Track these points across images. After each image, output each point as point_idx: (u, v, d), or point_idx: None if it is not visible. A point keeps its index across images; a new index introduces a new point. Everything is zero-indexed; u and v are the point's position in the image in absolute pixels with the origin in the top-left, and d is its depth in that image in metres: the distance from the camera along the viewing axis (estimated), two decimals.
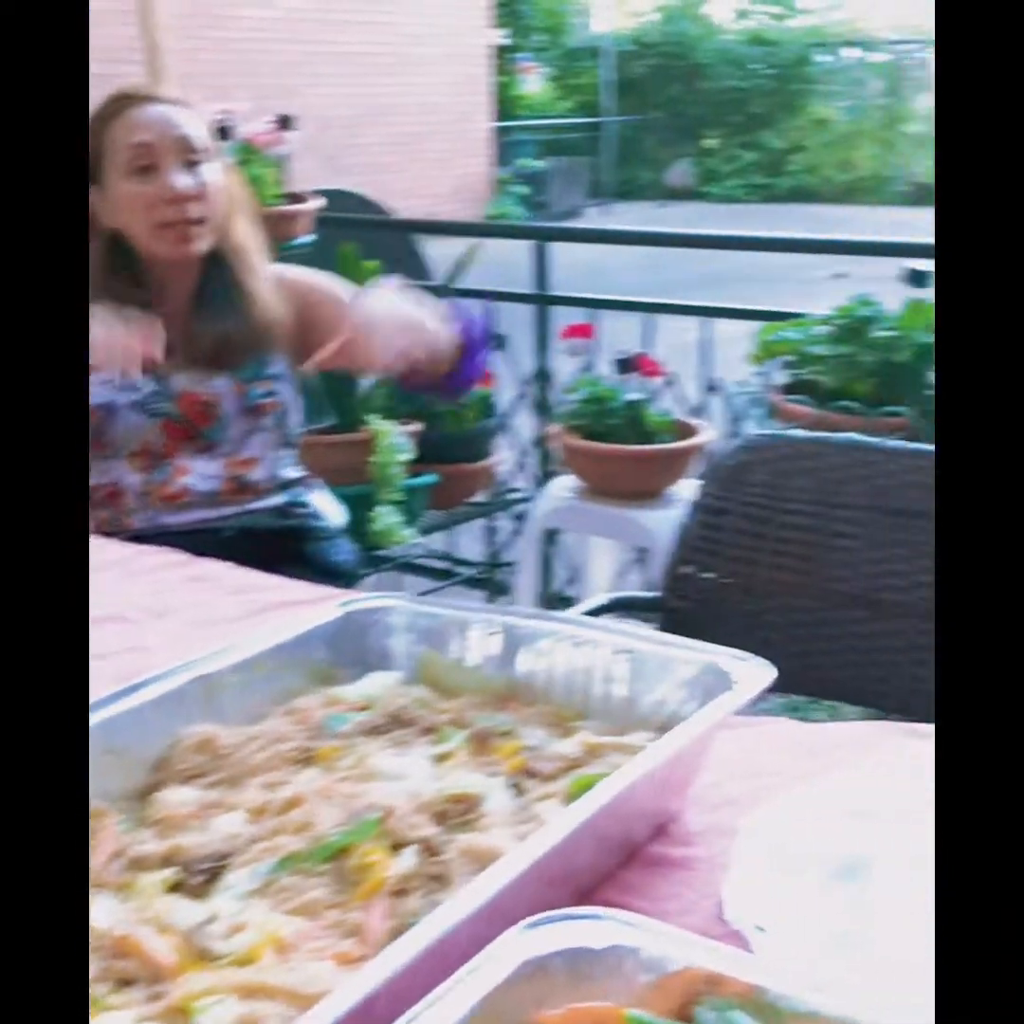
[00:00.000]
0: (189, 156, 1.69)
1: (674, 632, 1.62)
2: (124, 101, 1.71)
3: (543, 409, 3.05)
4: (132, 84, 1.81)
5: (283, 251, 2.98)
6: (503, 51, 14.92)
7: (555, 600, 2.97)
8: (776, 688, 1.73)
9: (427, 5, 12.35)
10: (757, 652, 1.60)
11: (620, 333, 2.89)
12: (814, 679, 1.61)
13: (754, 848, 0.75)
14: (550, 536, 3.14)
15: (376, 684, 0.96)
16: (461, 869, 0.73)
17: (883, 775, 0.82)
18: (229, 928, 0.69)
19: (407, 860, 0.74)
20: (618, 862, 0.80)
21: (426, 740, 0.89)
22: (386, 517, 2.56)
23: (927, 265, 2.26)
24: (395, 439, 2.62)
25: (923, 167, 14.53)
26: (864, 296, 2.30)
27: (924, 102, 14.84)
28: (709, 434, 2.60)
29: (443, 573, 3.32)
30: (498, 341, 3.10)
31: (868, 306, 2.27)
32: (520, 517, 3.10)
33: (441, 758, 0.86)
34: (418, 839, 0.76)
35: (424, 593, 3.26)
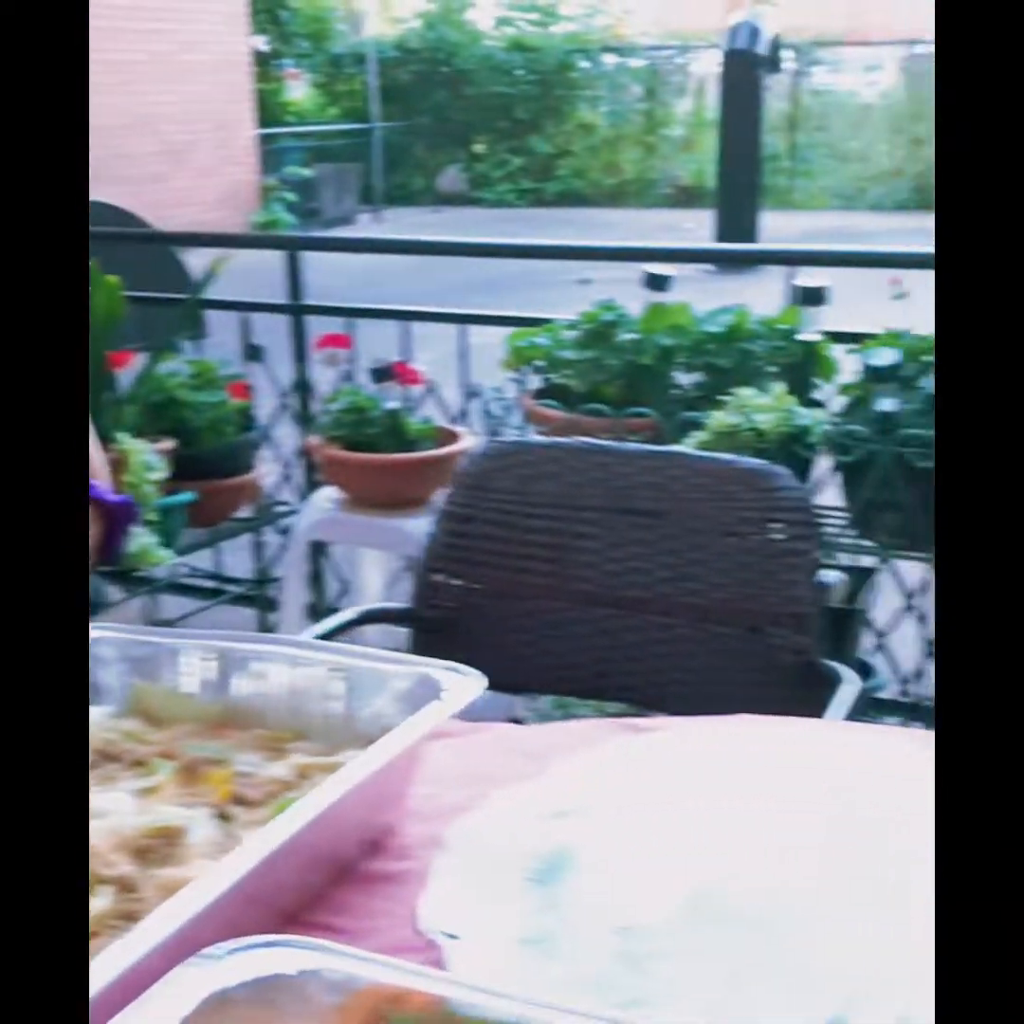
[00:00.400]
0: None
1: (428, 640, 1.65)
2: None
3: (305, 420, 3.02)
4: None
5: None
6: (266, 58, 14.72)
7: (325, 613, 2.94)
8: (532, 689, 1.76)
9: (190, 12, 12.08)
10: (510, 654, 1.63)
11: (390, 341, 2.89)
12: (565, 677, 1.64)
13: (455, 856, 0.75)
14: (320, 549, 3.11)
15: None
16: (157, 905, 0.71)
17: (592, 772, 0.84)
18: None
19: (102, 900, 0.72)
20: (328, 881, 0.79)
21: (133, 774, 0.86)
22: (140, 538, 2.48)
23: (666, 269, 2.34)
24: (147, 457, 2.54)
25: (683, 170, 15.03)
26: (608, 301, 2.36)
27: (682, 106, 15.35)
28: (470, 440, 2.62)
29: (210, 592, 3.25)
30: (254, 352, 3.06)
31: (612, 311, 2.33)
32: (286, 531, 3.05)
33: (147, 792, 0.84)
34: (114, 878, 0.73)
35: (190, 614, 3.18)
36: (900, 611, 2.46)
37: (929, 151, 13.96)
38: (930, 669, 2.42)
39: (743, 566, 1.50)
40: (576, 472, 1.59)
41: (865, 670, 2.37)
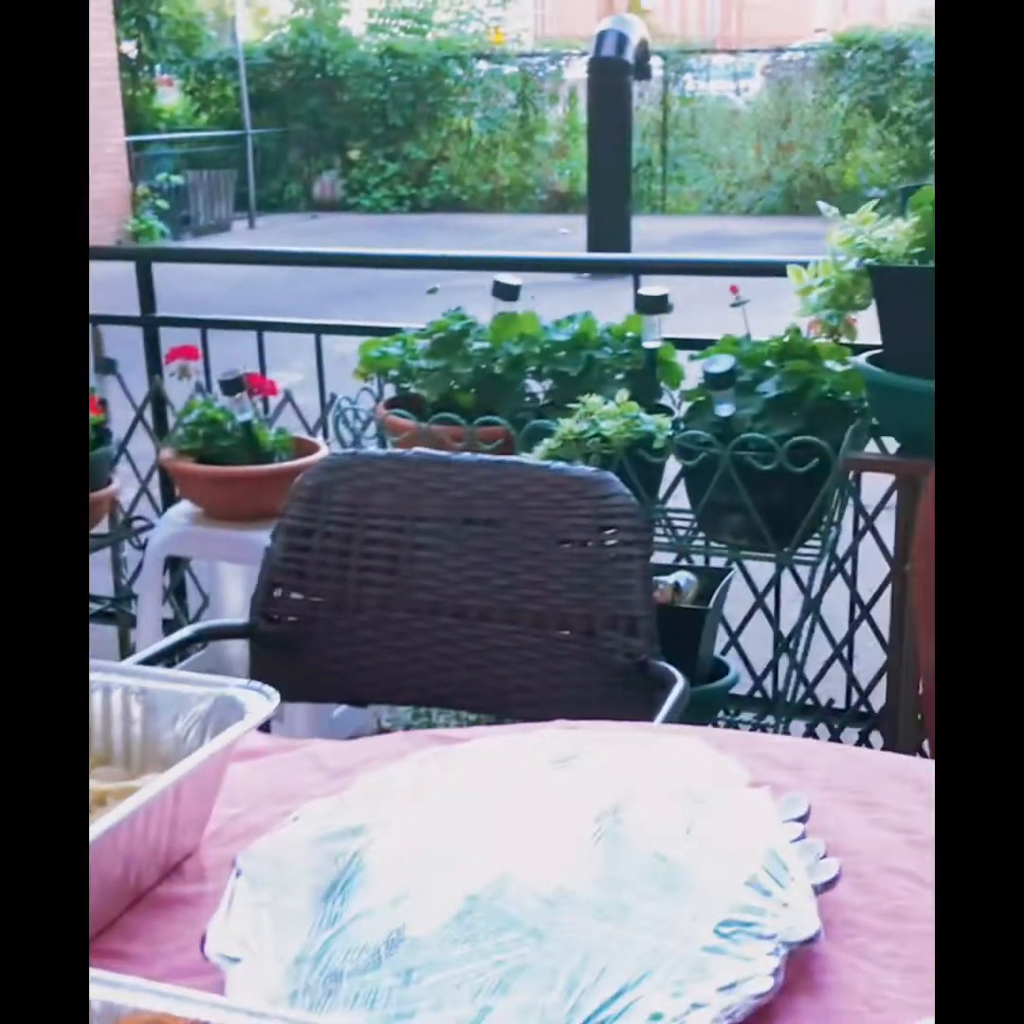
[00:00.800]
0: None
1: (270, 655, 1.64)
2: None
3: (160, 434, 2.98)
4: None
5: None
6: (134, 64, 14.48)
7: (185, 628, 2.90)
8: (376, 700, 1.77)
9: None
10: (353, 666, 1.64)
11: (280, 351, 2.87)
12: (410, 687, 1.65)
13: (247, 877, 0.76)
14: (181, 563, 3.07)
15: None
16: None
17: (392, 786, 0.85)
18: None
19: None
20: (121, 906, 0.79)
21: None
22: None
23: (514, 279, 2.36)
24: None
25: (557, 176, 15.16)
26: (456, 310, 2.37)
27: (555, 113, 15.47)
28: (327, 450, 2.61)
29: None
30: (108, 365, 3.01)
31: (460, 320, 2.34)
32: (145, 547, 3.01)
33: None
34: None
35: None
36: (751, 609, 2.52)
37: (796, 156, 14.29)
38: (781, 664, 2.48)
39: (578, 572, 1.53)
40: (413, 483, 1.60)
41: (719, 667, 2.42)
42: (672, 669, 1.44)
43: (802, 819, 0.81)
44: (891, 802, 0.87)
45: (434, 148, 15.60)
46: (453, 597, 1.59)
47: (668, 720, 1.34)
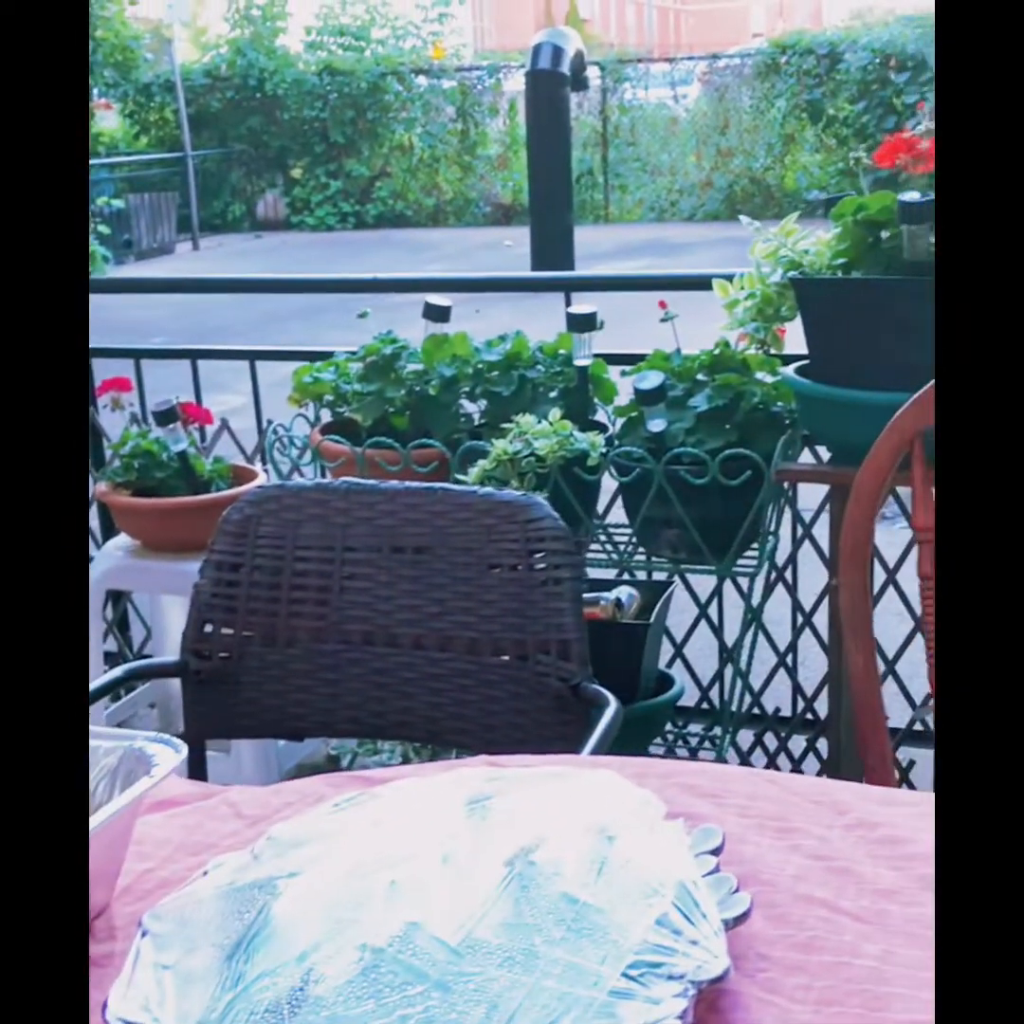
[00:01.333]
0: None
1: (202, 693, 1.62)
2: None
3: (96, 466, 2.95)
4: None
5: None
6: None
7: (131, 662, 2.87)
8: (312, 734, 1.75)
9: None
10: (288, 700, 1.62)
11: (220, 374, 2.84)
12: (345, 718, 1.64)
13: (153, 936, 0.74)
14: (123, 597, 3.04)
15: None
16: None
17: (306, 833, 0.84)
18: None
19: None
20: None
21: None
22: None
23: (444, 300, 2.35)
24: None
25: (500, 188, 15.19)
26: (387, 333, 2.37)
27: (496, 126, 15.51)
28: (264, 478, 2.60)
29: None
30: None
31: (392, 343, 2.34)
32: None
33: None
34: None
35: None
36: (695, 621, 2.53)
37: (736, 162, 14.40)
38: (727, 674, 2.49)
39: (509, 597, 1.52)
40: (341, 513, 1.59)
41: (665, 681, 2.42)
42: (604, 691, 1.44)
43: (716, 851, 0.81)
44: (809, 827, 0.87)
45: (376, 164, 15.60)
46: (385, 626, 1.58)
47: (601, 743, 1.33)
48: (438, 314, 2.34)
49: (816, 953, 0.74)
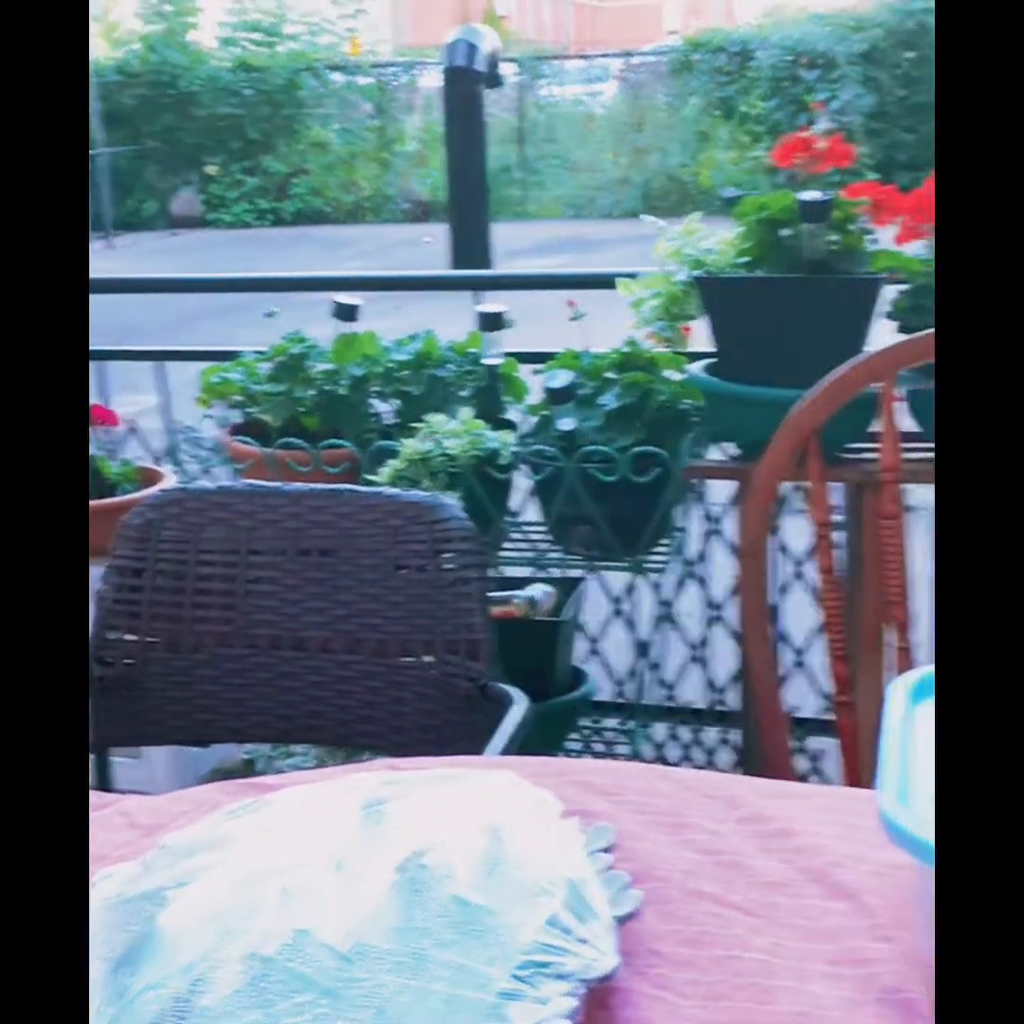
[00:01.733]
0: None
1: (108, 701, 1.60)
2: None
3: None
4: None
5: None
6: None
7: None
8: (221, 740, 1.73)
9: None
10: (195, 706, 1.61)
11: (129, 375, 2.80)
12: (253, 723, 1.62)
13: None
14: None
15: None
16: None
17: (196, 842, 0.83)
18: None
19: None
20: None
21: None
22: None
23: (353, 298, 2.34)
24: None
25: (418, 185, 15.16)
26: (296, 332, 2.35)
27: (413, 122, 15.48)
28: (172, 480, 2.57)
29: None
30: None
31: (300, 342, 2.32)
32: None
33: None
34: None
35: None
36: (609, 617, 2.55)
37: (652, 159, 14.51)
38: (641, 668, 2.51)
39: (416, 598, 1.52)
40: (245, 516, 1.58)
41: (579, 676, 2.44)
42: (512, 690, 1.45)
43: (610, 849, 0.82)
44: (702, 822, 0.88)
45: (293, 161, 15.48)
46: (292, 630, 1.58)
47: (509, 742, 1.34)
48: (347, 313, 2.33)
49: (706, 947, 0.75)
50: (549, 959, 0.70)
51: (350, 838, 0.81)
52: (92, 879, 0.82)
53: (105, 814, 0.95)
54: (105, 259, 13.60)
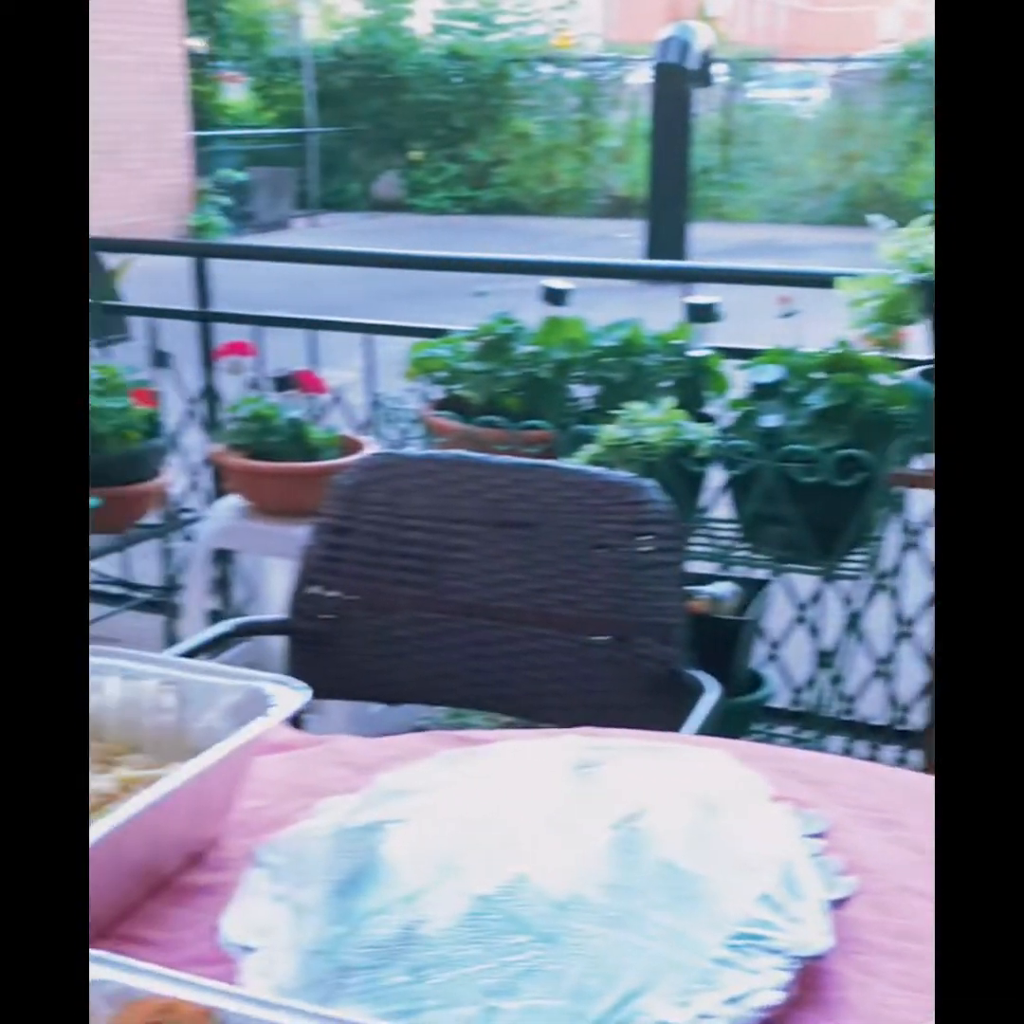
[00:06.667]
0: None
1: (305, 652, 1.66)
2: None
3: (211, 428, 3.01)
4: None
5: None
6: (201, 59, 14.63)
7: (230, 621, 2.93)
8: (408, 700, 1.77)
9: (117, 12, 11.98)
10: (386, 666, 1.65)
11: (333, 350, 2.91)
12: (443, 688, 1.66)
13: (264, 869, 0.77)
14: (227, 556, 3.10)
15: None
16: None
17: (413, 785, 0.86)
18: None
19: None
20: (143, 892, 0.81)
21: None
22: None
23: (563, 283, 2.36)
24: None
25: (618, 181, 15.14)
26: (504, 313, 2.38)
27: (617, 118, 15.45)
28: (372, 450, 2.63)
29: (117, 598, 3.23)
30: (162, 358, 3.05)
31: (508, 323, 2.35)
32: (193, 539, 3.05)
33: None
34: None
35: (96, 619, 3.16)
36: (792, 622, 2.51)
37: (859, 167, 14.18)
38: (821, 678, 2.46)
39: (612, 577, 1.53)
40: (450, 485, 1.61)
41: (757, 680, 2.41)
42: (705, 677, 1.44)
43: (821, 835, 0.81)
44: (913, 821, 0.87)
45: (495, 151, 15.63)
46: (487, 599, 1.60)
47: (701, 730, 1.34)
48: (557, 297, 2.35)
49: (916, 941, 0.74)
50: (762, 932, 0.70)
51: (563, 794, 0.82)
52: (313, 808, 0.86)
53: (319, 751, 0.99)
54: (306, 237, 13.98)
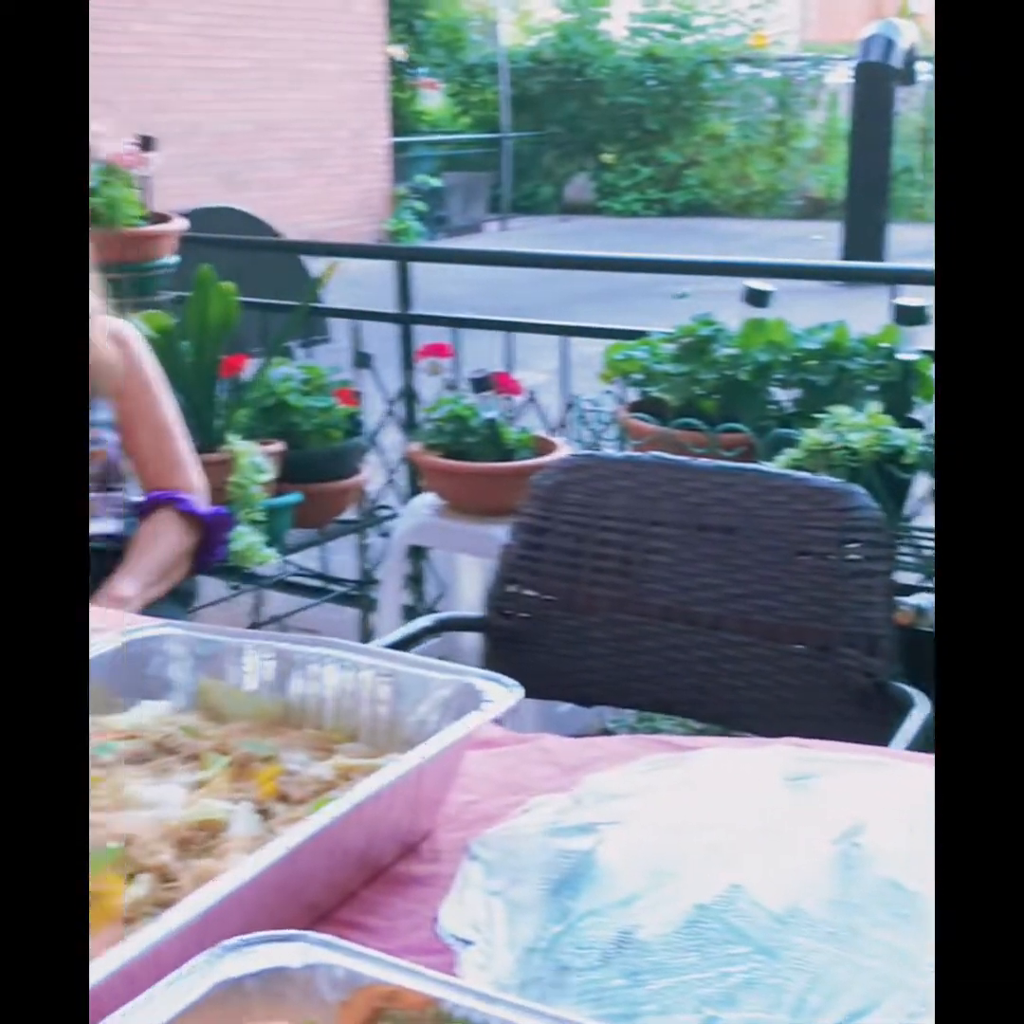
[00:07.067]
0: None
1: (501, 649, 1.67)
2: None
3: (409, 427, 3.07)
4: None
5: (146, 271, 2.98)
6: (401, 66, 14.95)
7: (421, 616, 2.99)
8: (601, 702, 1.77)
9: (322, 22, 12.34)
10: (581, 667, 1.65)
11: (523, 351, 2.95)
12: (637, 690, 1.65)
13: (480, 863, 0.78)
14: (420, 553, 3.16)
15: (146, 713, 0.97)
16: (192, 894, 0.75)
17: (623, 787, 0.85)
18: None
19: (140, 888, 0.76)
20: (359, 879, 0.82)
21: (188, 768, 0.90)
22: (246, 537, 2.56)
23: (765, 284, 2.33)
24: (255, 459, 2.62)
25: (814, 182, 14.83)
26: (705, 315, 2.36)
27: (814, 118, 15.14)
28: (567, 451, 2.64)
29: (316, 591, 3.33)
30: (363, 359, 3.13)
31: (709, 325, 2.33)
32: (389, 534, 3.12)
33: (198, 785, 0.88)
34: (153, 866, 0.77)
35: (295, 611, 3.26)
36: None
37: None
38: None
39: (816, 585, 1.50)
40: (649, 487, 1.60)
41: None
42: (915, 692, 1.40)
43: None
44: None
45: (688, 152, 15.51)
46: (685, 603, 1.58)
47: (911, 745, 1.29)
48: (758, 299, 2.32)
49: None
50: None
51: (776, 805, 0.80)
52: (523, 805, 0.86)
53: (526, 749, 0.99)
54: (498, 240, 14.14)
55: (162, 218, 3.08)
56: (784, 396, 2.32)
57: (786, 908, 0.69)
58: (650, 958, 0.67)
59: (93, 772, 0.89)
